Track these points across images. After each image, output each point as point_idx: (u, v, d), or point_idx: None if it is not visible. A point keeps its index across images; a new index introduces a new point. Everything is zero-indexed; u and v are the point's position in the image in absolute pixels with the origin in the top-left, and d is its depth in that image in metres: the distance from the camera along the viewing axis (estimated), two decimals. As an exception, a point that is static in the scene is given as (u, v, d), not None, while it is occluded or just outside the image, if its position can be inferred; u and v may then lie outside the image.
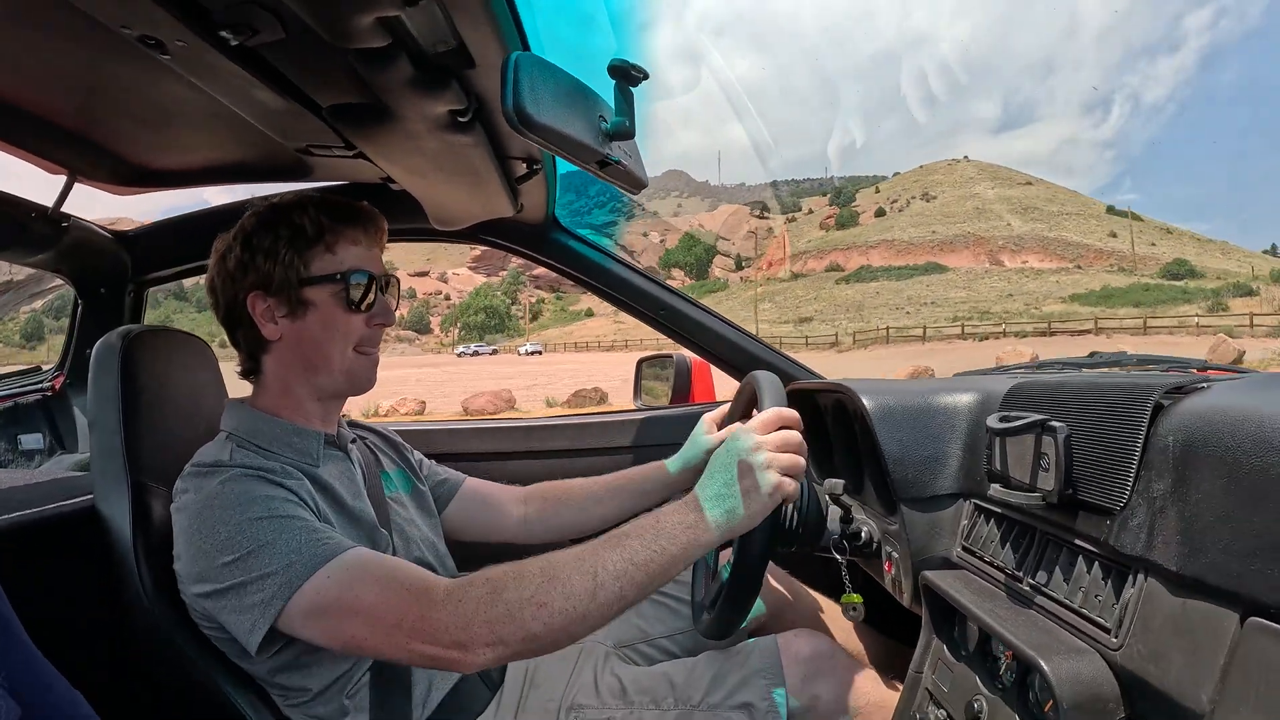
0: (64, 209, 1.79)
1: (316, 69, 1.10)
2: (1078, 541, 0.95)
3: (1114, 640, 0.84)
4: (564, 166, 1.72)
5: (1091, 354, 1.56)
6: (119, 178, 1.72)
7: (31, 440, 2.29)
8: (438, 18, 0.92)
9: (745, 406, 1.53)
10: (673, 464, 1.64)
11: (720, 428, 1.60)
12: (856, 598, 1.37)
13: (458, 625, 1.02)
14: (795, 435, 1.17)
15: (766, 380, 1.33)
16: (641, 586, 1.06)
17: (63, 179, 1.68)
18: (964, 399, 1.27)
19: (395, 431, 1.66)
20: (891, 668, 1.45)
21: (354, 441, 1.43)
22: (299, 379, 1.31)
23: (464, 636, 1.02)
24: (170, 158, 1.69)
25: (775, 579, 1.74)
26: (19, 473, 2.07)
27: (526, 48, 1.09)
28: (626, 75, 0.95)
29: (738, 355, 2.13)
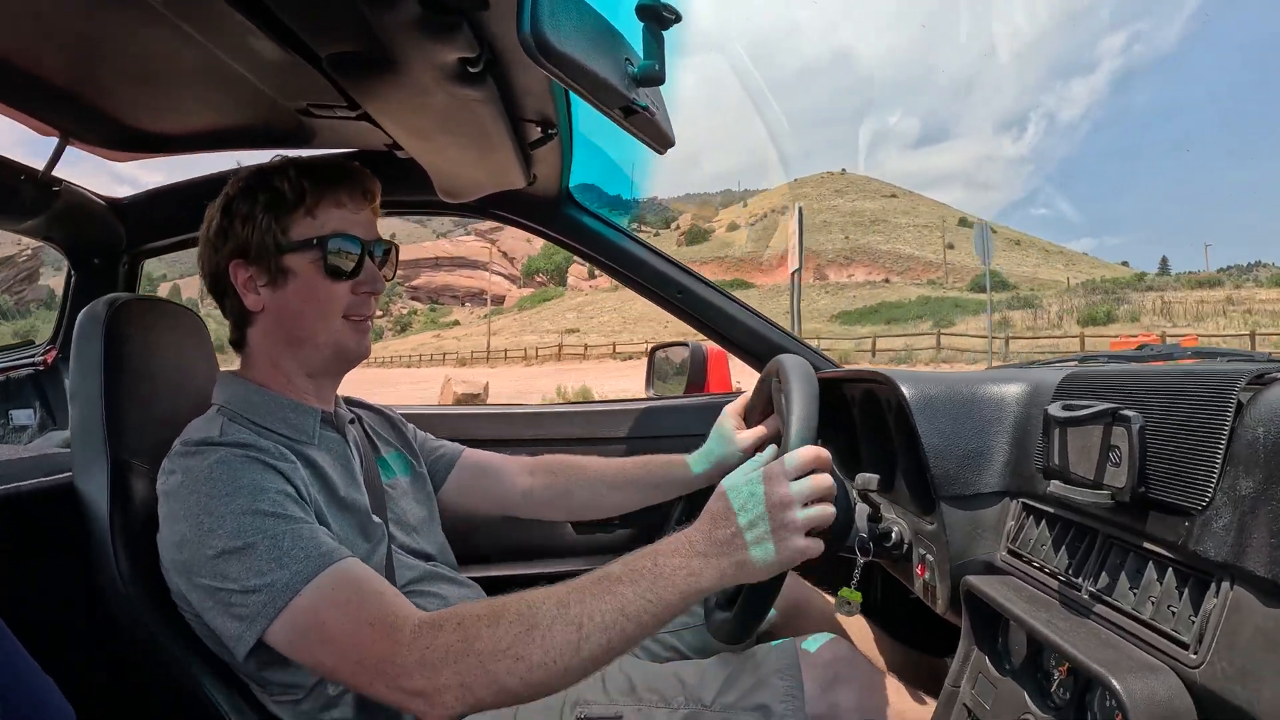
0: (57, 173, 1.72)
1: (315, 11, 1.03)
2: (1148, 545, 0.85)
3: (1192, 657, 0.75)
4: (579, 136, 1.65)
5: (1141, 347, 1.46)
6: (113, 141, 1.65)
7: (22, 415, 2.25)
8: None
9: (768, 402, 1.47)
10: (696, 463, 1.59)
11: (747, 421, 1.54)
12: (856, 595, 1.29)
13: (423, 672, 0.95)
14: (827, 480, 1.04)
15: (796, 371, 1.23)
16: (631, 638, 0.97)
17: (54, 141, 1.61)
18: (1012, 389, 1.17)
19: (395, 410, 1.60)
20: (914, 678, 1.37)
21: (352, 422, 1.37)
22: (284, 353, 1.26)
23: (429, 685, 0.95)
24: (166, 120, 1.62)
25: (788, 581, 1.66)
26: (4, 448, 2.01)
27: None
28: (657, 16, 0.86)
29: (758, 344, 2.05)
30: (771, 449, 1.13)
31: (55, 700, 0.82)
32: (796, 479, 1.03)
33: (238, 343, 1.29)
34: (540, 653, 0.94)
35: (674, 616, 1.00)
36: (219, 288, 1.26)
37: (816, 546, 1.01)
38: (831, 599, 1.66)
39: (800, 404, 1.14)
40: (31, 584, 1.25)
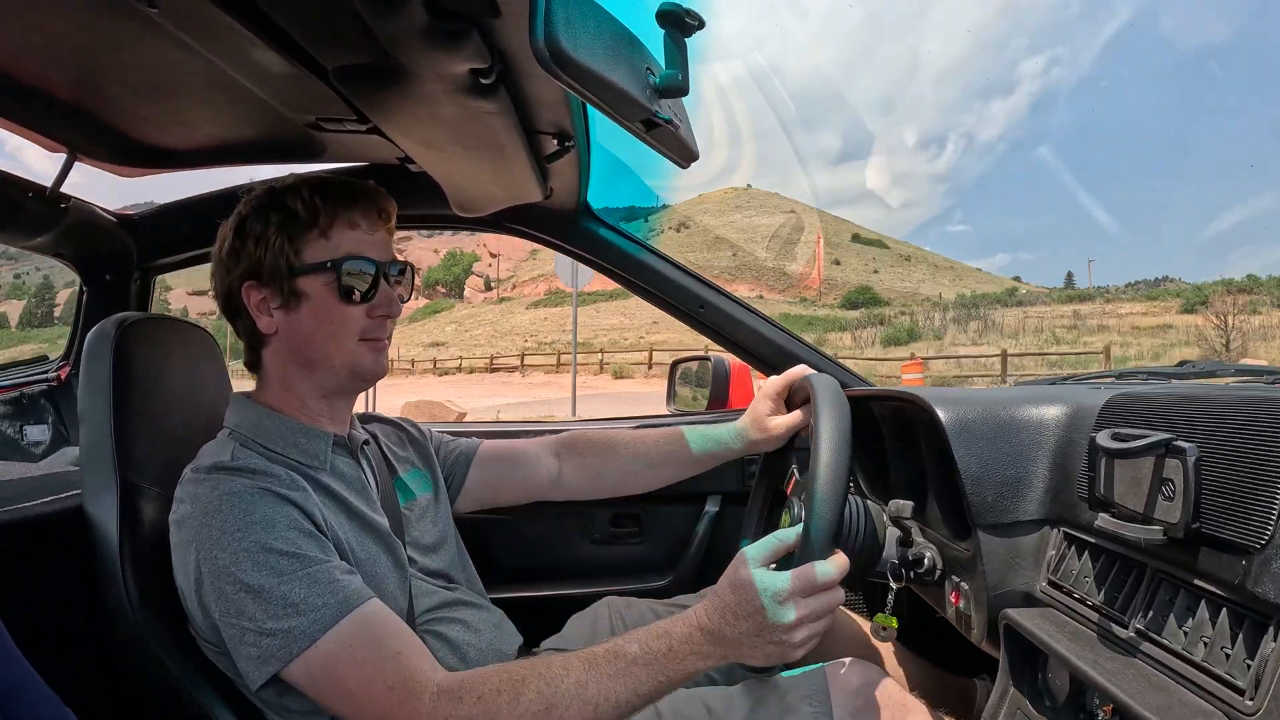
0: (65, 190, 1.71)
1: (319, 21, 1.01)
2: (1201, 583, 0.80)
3: (1248, 704, 0.70)
4: (598, 147, 1.62)
5: (1181, 363, 1.41)
6: (121, 156, 1.64)
7: (36, 431, 2.24)
8: (456, -50, 0.79)
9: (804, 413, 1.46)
10: (730, 439, 1.57)
11: (787, 403, 1.54)
12: (892, 621, 1.25)
13: None
14: (838, 596, 1.03)
15: (827, 398, 1.17)
16: (637, 709, 1.01)
17: (62, 157, 1.60)
18: (1052, 412, 1.12)
19: (411, 423, 1.57)
20: (942, 699, 1.32)
21: (366, 443, 1.34)
22: (298, 375, 1.24)
23: None
24: (174, 135, 1.60)
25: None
26: (17, 466, 2.00)
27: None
28: (680, 23, 0.81)
29: (784, 360, 2.00)
30: (793, 534, 1.06)
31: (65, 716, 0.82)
32: (810, 599, 1.01)
33: (253, 364, 1.27)
34: None
35: (674, 689, 1.04)
36: (231, 308, 1.23)
37: (810, 648, 1.03)
38: (862, 621, 1.62)
39: (823, 502, 1.05)
40: (39, 606, 1.22)
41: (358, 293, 1.20)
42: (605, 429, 1.66)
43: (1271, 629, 0.71)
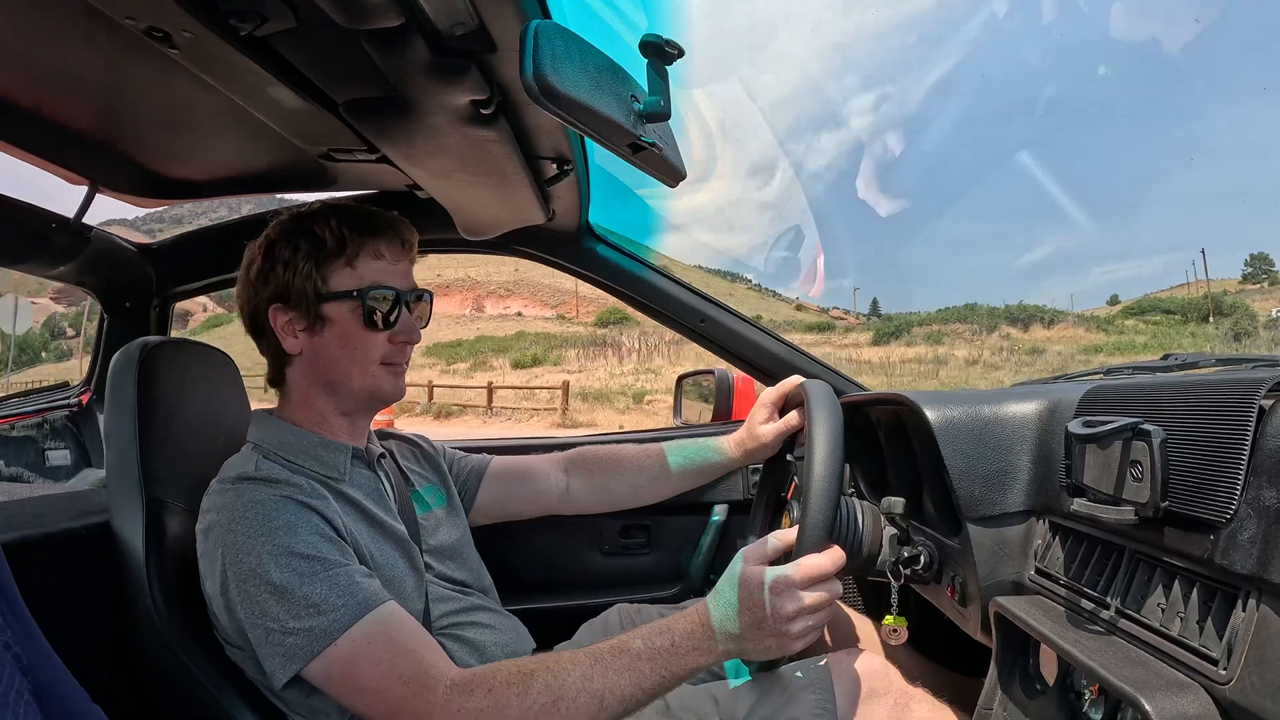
0: (87, 220, 1.77)
1: (330, 60, 1.06)
2: (1175, 561, 0.84)
3: (1222, 672, 0.74)
4: (596, 170, 1.66)
5: (1165, 355, 1.44)
6: (140, 188, 1.70)
7: (58, 456, 2.28)
8: (455, -6, 0.85)
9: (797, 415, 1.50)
10: (729, 450, 1.63)
11: (781, 412, 1.59)
12: (901, 620, 1.29)
13: None
14: (836, 590, 1.09)
15: (819, 400, 1.22)
16: (642, 706, 1.05)
17: (84, 189, 1.65)
18: (1033, 407, 1.16)
19: (424, 437, 1.62)
20: (948, 695, 1.35)
21: (382, 457, 1.39)
22: (320, 395, 1.29)
23: None
24: (191, 167, 1.67)
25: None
26: (41, 487, 2.06)
27: (549, 23, 1.02)
28: (660, 52, 0.87)
29: (785, 371, 2.04)
30: (791, 533, 1.11)
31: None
32: (806, 589, 1.06)
33: (276, 381, 1.32)
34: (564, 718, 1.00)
35: (678, 684, 1.08)
36: (257, 327, 1.28)
37: (811, 642, 1.08)
38: (862, 621, 1.65)
39: (817, 497, 1.10)
40: (70, 619, 1.25)
41: (380, 320, 1.25)
42: (611, 445, 1.70)
43: (1240, 600, 0.74)
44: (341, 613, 1.05)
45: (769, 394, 1.59)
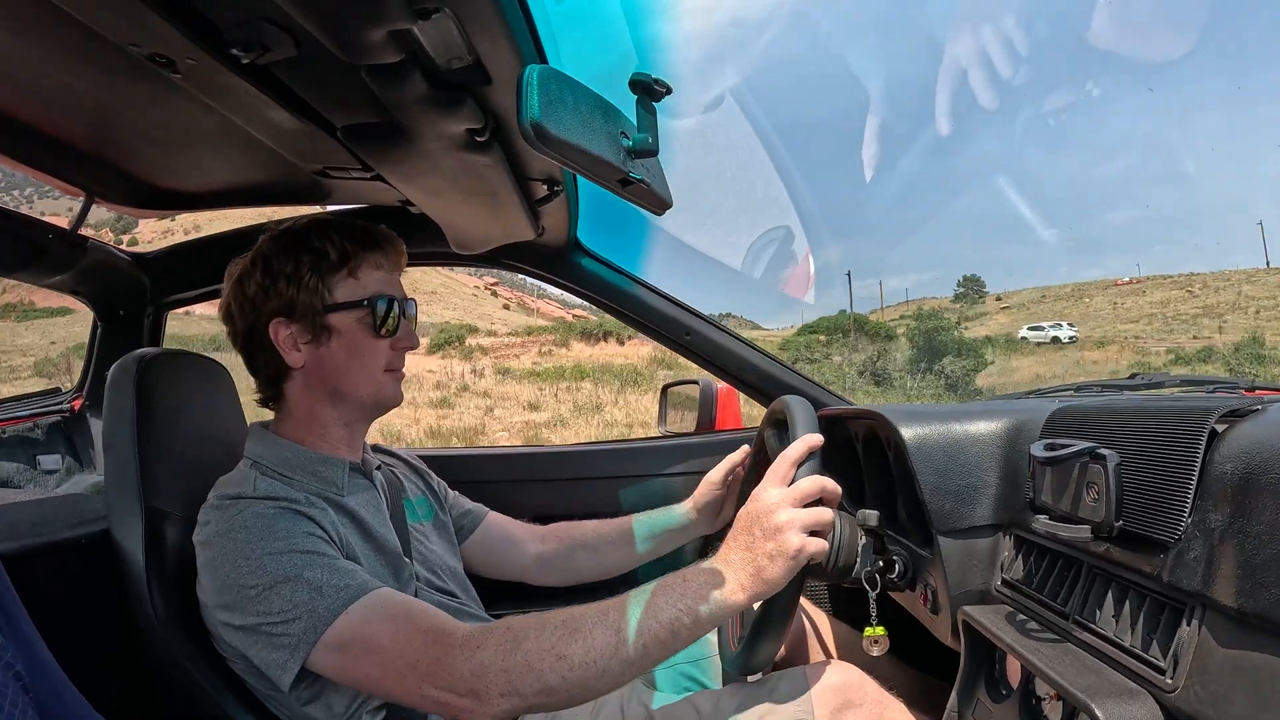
0: (82, 231, 1.79)
1: (330, 88, 1.09)
2: (1128, 576, 0.89)
3: (1169, 681, 0.79)
4: (585, 188, 1.70)
5: (1133, 375, 1.50)
6: (136, 199, 1.71)
7: (50, 460, 2.29)
8: (452, 32, 0.89)
9: (766, 442, 1.52)
10: (684, 511, 1.65)
11: (745, 465, 1.60)
12: (880, 630, 1.32)
13: (473, 672, 1.01)
14: (820, 482, 1.14)
15: (796, 405, 1.29)
16: (665, 645, 1.05)
17: (80, 200, 1.68)
18: (1001, 425, 1.21)
19: (419, 458, 1.64)
20: (923, 701, 1.39)
21: (379, 468, 1.41)
22: (324, 405, 1.31)
23: (478, 684, 1.01)
24: (187, 179, 1.68)
25: (806, 613, 1.69)
26: (35, 493, 2.07)
27: (544, 63, 1.05)
28: (649, 90, 0.91)
29: (766, 382, 2.09)
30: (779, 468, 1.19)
31: None
32: (794, 482, 1.14)
33: (273, 398, 1.33)
34: (581, 652, 1.01)
35: (707, 630, 1.08)
36: (255, 344, 1.29)
37: (817, 544, 1.10)
38: (842, 625, 1.69)
39: (800, 424, 1.22)
40: (70, 627, 1.25)
41: (387, 328, 1.29)
42: (582, 522, 1.72)
43: (1186, 614, 0.78)
44: (344, 592, 1.07)
45: (732, 459, 1.62)
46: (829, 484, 1.15)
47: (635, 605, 1.05)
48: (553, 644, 1.01)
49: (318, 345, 1.27)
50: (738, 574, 1.08)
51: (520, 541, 1.66)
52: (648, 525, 1.65)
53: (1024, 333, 46.03)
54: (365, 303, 1.27)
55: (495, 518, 1.67)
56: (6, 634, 0.77)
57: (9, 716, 0.70)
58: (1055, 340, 42.95)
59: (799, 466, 1.16)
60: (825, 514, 1.12)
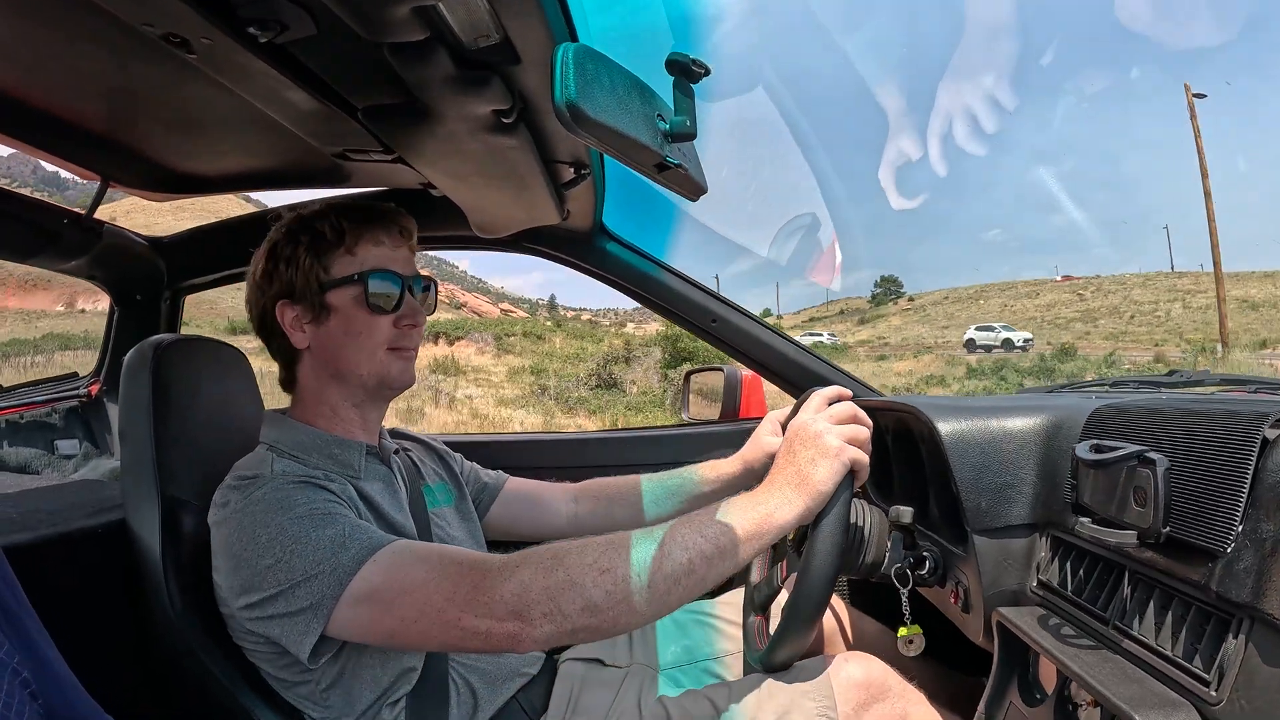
0: (97, 215, 1.78)
1: (350, 67, 1.06)
2: (1173, 584, 0.86)
3: (1213, 694, 0.76)
4: (613, 171, 1.68)
5: (1171, 372, 1.46)
6: (152, 183, 1.71)
7: (68, 445, 2.30)
8: (479, 9, 0.86)
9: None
10: (731, 464, 1.62)
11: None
12: (916, 629, 1.30)
13: (514, 593, 0.99)
14: (853, 409, 1.21)
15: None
16: (710, 560, 1.03)
17: (96, 184, 1.67)
18: (1039, 421, 1.18)
19: (440, 441, 1.63)
20: (951, 699, 1.37)
21: (396, 452, 1.40)
22: (331, 386, 1.30)
23: (520, 605, 0.98)
24: (204, 163, 1.67)
25: (831, 605, 1.67)
26: (53, 478, 2.07)
27: (576, 41, 1.02)
28: (686, 71, 0.88)
29: (792, 370, 2.07)
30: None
31: None
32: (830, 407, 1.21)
33: (288, 382, 1.33)
34: (624, 565, 1.00)
35: (752, 550, 1.07)
36: (267, 328, 1.30)
37: (858, 452, 1.15)
38: (874, 621, 1.67)
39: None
40: (85, 616, 1.26)
41: (384, 303, 1.26)
42: (617, 477, 1.70)
43: (1233, 626, 0.76)
44: (365, 545, 1.05)
45: (775, 415, 1.60)
46: (862, 414, 1.20)
47: (679, 526, 1.06)
48: (595, 558, 1.01)
49: (318, 325, 1.27)
50: (783, 489, 1.11)
51: (549, 502, 1.64)
52: (691, 479, 1.63)
53: (970, 334, 44.99)
54: (357, 277, 1.25)
55: (516, 482, 1.66)
56: (7, 632, 0.75)
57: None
58: (1007, 343, 41.93)
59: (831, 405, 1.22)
60: (863, 432, 1.17)
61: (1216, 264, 27.78)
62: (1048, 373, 25.12)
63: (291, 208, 1.34)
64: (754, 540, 1.06)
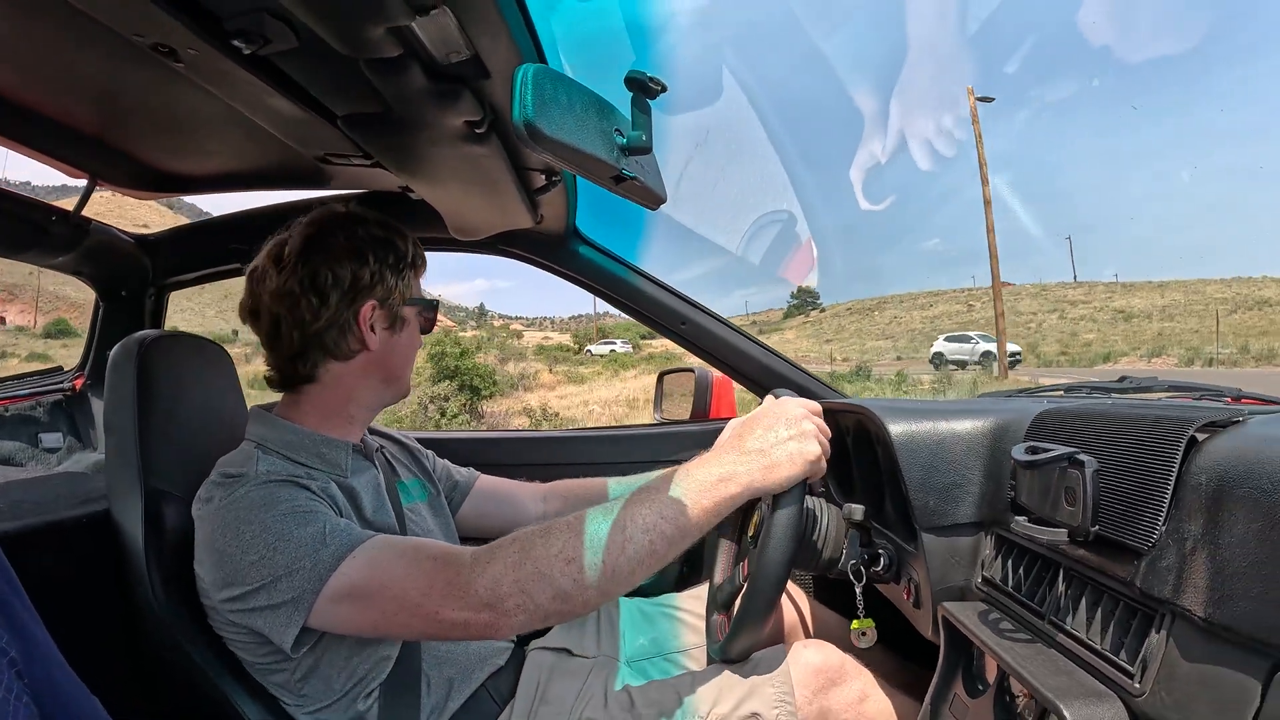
0: (85, 213, 1.81)
1: (330, 78, 1.10)
2: (1102, 580, 0.91)
3: (1137, 686, 0.80)
4: (584, 178, 1.71)
5: (1122, 379, 1.51)
6: (139, 182, 1.73)
7: (51, 439, 2.31)
8: (450, 28, 0.90)
9: None
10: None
11: None
12: (869, 623, 1.35)
13: (487, 586, 1.04)
14: (813, 404, 1.25)
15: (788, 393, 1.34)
16: (671, 540, 1.09)
17: (83, 183, 1.69)
18: (987, 424, 1.22)
19: (413, 438, 1.66)
20: (904, 685, 1.41)
21: (378, 450, 1.44)
22: (373, 389, 1.36)
23: (494, 597, 1.04)
24: (189, 163, 1.70)
25: (790, 597, 1.71)
26: (37, 471, 2.09)
27: (542, 59, 1.07)
28: (644, 87, 0.92)
29: (761, 372, 2.11)
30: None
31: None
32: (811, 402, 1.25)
33: (298, 379, 1.32)
34: (589, 553, 1.05)
35: (710, 523, 1.12)
36: (332, 323, 1.27)
37: (823, 466, 1.19)
38: (833, 613, 1.71)
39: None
40: (69, 607, 1.26)
41: (429, 326, 1.41)
42: (585, 479, 1.75)
43: (1157, 621, 0.80)
44: (346, 541, 1.09)
45: (736, 423, 1.63)
46: (817, 406, 1.24)
47: (639, 504, 1.10)
48: (560, 548, 1.05)
49: (391, 333, 1.33)
50: (750, 465, 1.15)
51: (518, 500, 1.69)
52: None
53: (939, 346, 40.55)
54: (425, 300, 1.38)
55: (487, 480, 1.70)
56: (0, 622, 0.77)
57: (2, 701, 0.69)
58: (986, 355, 36.36)
59: None
60: (828, 432, 1.23)
61: (995, 275, 28.80)
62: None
63: (276, 208, 1.38)
64: (713, 515, 1.12)
